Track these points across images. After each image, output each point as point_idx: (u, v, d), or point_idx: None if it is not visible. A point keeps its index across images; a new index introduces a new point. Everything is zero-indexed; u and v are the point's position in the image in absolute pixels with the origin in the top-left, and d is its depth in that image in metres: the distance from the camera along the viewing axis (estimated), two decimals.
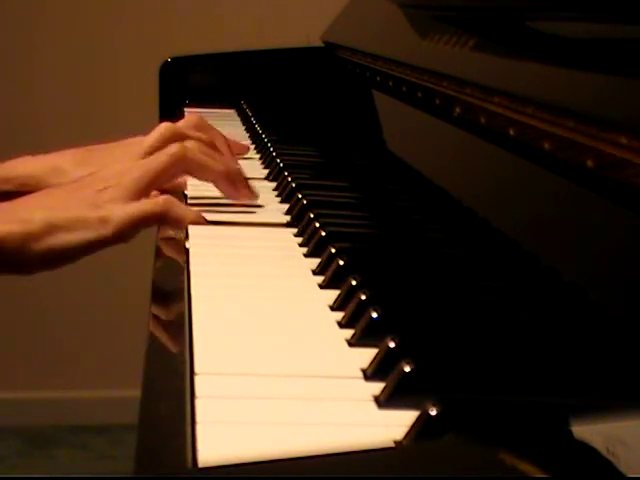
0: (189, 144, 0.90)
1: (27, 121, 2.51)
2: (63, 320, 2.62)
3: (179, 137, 0.93)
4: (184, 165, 0.89)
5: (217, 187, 0.93)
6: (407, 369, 0.52)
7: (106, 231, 0.81)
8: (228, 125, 1.41)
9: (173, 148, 0.89)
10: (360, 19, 1.51)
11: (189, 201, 0.96)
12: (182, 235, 0.85)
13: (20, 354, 2.64)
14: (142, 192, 0.85)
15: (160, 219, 0.83)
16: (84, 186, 0.85)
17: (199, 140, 0.94)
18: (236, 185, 0.93)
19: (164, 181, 0.88)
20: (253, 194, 0.95)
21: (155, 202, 0.83)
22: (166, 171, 0.87)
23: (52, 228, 0.80)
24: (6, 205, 0.83)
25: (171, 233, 0.86)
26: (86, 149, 1.06)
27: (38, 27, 2.51)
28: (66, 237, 0.81)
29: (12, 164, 1.05)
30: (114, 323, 2.60)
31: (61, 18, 2.52)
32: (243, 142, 1.28)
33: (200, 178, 0.92)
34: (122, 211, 0.82)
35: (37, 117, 2.52)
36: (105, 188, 0.83)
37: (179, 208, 0.85)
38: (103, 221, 0.81)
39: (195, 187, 0.99)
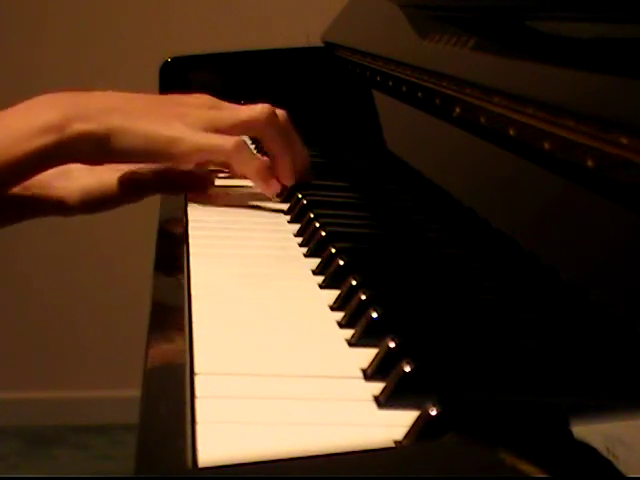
0: (280, 112, 0.92)
1: None
2: (63, 320, 2.62)
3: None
4: (260, 130, 0.90)
5: (277, 171, 0.93)
6: (407, 369, 0.52)
7: (173, 150, 0.84)
8: None
9: (262, 108, 0.90)
10: (360, 19, 1.51)
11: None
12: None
13: (20, 354, 2.64)
14: (219, 131, 0.87)
15: (225, 158, 0.85)
16: (167, 103, 0.88)
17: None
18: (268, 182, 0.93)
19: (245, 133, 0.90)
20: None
21: (227, 139, 0.85)
22: (244, 126, 0.89)
23: (125, 133, 0.83)
24: (84, 98, 0.87)
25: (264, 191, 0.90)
26: None
27: (38, 27, 2.52)
28: (137, 144, 0.83)
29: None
30: (114, 323, 2.60)
31: (61, 18, 2.52)
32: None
33: (265, 147, 0.93)
34: (194, 137, 0.84)
35: None
36: (186, 112, 0.86)
37: (247, 155, 0.86)
38: (171, 141, 0.84)
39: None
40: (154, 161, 0.88)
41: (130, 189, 0.93)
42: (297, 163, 0.95)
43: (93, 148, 0.83)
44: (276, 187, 0.91)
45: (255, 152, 0.95)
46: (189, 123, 0.85)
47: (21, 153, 0.82)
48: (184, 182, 0.94)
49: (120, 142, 0.83)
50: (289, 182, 0.95)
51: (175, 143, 0.84)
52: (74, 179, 0.99)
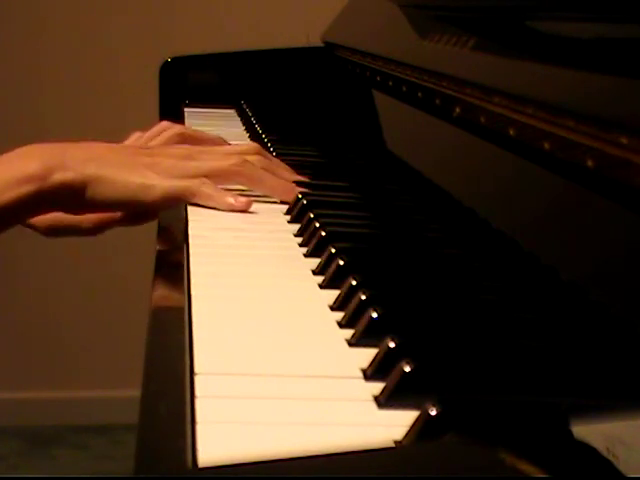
0: (251, 158, 0.95)
1: (28, 121, 2.51)
2: (63, 320, 2.62)
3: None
4: (237, 179, 0.94)
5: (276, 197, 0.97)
6: (407, 369, 0.52)
7: (145, 197, 0.87)
8: (228, 125, 1.41)
9: (233, 159, 0.94)
10: (360, 19, 1.51)
11: None
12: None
13: (20, 354, 2.64)
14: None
15: (194, 199, 0.89)
16: (142, 153, 0.91)
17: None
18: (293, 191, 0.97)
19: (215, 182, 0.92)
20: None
21: (193, 180, 0.89)
22: (216, 176, 0.92)
23: (101, 182, 0.87)
24: (62, 149, 0.88)
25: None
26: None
27: (38, 27, 2.52)
28: (111, 192, 0.87)
29: None
30: (114, 323, 2.60)
31: (61, 18, 2.52)
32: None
33: (256, 190, 0.97)
34: (164, 184, 0.88)
35: (37, 117, 2.52)
36: (157, 162, 0.90)
37: (212, 190, 0.89)
38: (143, 188, 0.87)
39: None
40: (129, 209, 0.92)
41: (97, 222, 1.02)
42: (282, 192, 0.97)
43: (71, 197, 0.87)
44: (243, 207, 0.93)
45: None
46: (160, 172, 0.89)
47: (3, 202, 0.86)
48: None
49: (96, 191, 0.87)
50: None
51: (147, 190, 0.87)
52: None
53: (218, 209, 0.91)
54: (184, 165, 0.91)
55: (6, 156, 0.88)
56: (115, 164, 0.88)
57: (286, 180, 0.98)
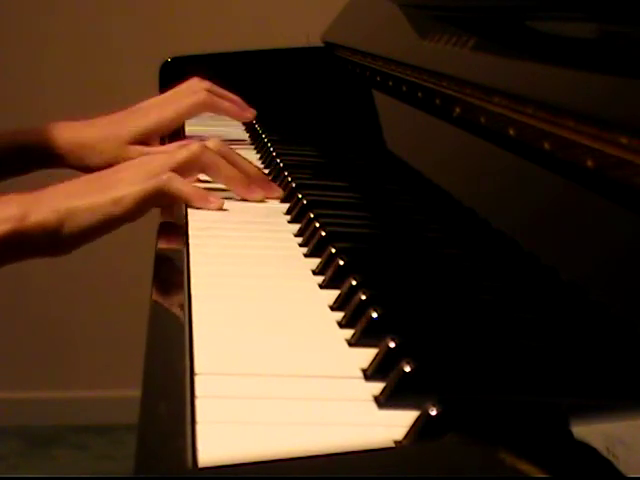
0: (211, 144, 0.96)
1: (28, 122, 2.51)
2: (63, 320, 2.62)
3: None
4: (199, 165, 0.94)
5: (231, 189, 0.97)
6: (407, 369, 0.52)
7: (118, 210, 0.88)
8: (228, 125, 1.41)
9: (194, 146, 0.94)
10: (360, 19, 1.51)
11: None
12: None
13: (20, 354, 2.64)
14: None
15: (163, 196, 0.89)
16: (102, 176, 0.93)
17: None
18: (250, 187, 0.98)
19: (182, 175, 0.92)
20: (275, 190, 1.00)
21: (158, 179, 0.89)
22: (182, 166, 0.92)
23: (73, 214, 0.88)
24: (37, 195, 0.91)
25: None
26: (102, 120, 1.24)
27: (38, 27, 2.52)
28: (86, 221, 0.89)
29: (53, 129, 1.25)
30: (114, 323, 2.60)
31: (61, 18, 2.52)
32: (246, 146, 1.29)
33: (214, 178, 0.97)
34: (133, 189, 0.89)
35: (38, 117, 2.51)
36: (122, 178, 0.91)
37: (181, 184, 0.90)
38: (115, 202, 0.88)
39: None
40: (109, 229, 0.91)
41: None
42: (237, 184, 0.97)
43: (50, 238, 0.89)
44: (216, 204, 0.93)
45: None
46: (128, 182, 0.90)
47: None
48: None
49: (72, 225, 0.89)
50: (250, 196, 0.98)
51: (118, 203, 0.88)
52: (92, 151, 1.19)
53: (192, 206, 0.91)
54: (148, 168, 0.91)
55: None
56: (83, 193, 0.90)
57: (245, 171, 0.98)
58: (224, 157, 0.97)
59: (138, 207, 0.89)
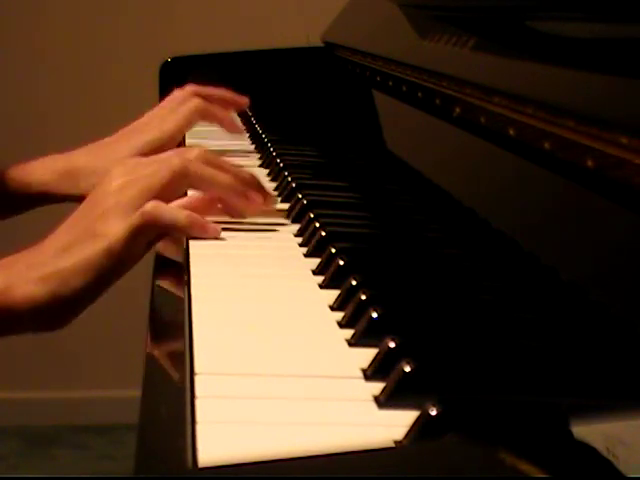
0: (193, 154, 0.86)
1: (28, 121, 2.51)
2: None
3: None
4: (187, 180, 0.85)
5: (227, 201, 0.87)
6: (407, 369, 0.52)
7: (113, 260, 0.79)
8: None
9: (175, 161, 0.84)
10: (360, 19, 1.51)
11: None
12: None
13: (20, 354, 2.64)
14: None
15: (153, 228, 0.80)
16: (83, 217, 0.83)
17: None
18: (247, 194, 0.87)
19: (167, 196, 0.83)
20: (270, 199, 0.91)
21: (141, 212, 0.80)
22: (167, 187, 0.83)
23: (64, 278, 0.79)
24: (19, 257, 0.82)
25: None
26: (98, 144, 1.16)
27: (38, 27, 2.52)
28: (78, 283, 0.79)
29: (32, 167, 1.12)
30: (114, 323, 2.60)
31: (61, 18, 2.52)
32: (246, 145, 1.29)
33: (206, 192, 0.87)
34: (119, 233, 0.80)
35: (37, 117, 2.52)
36: (103, 213, 0.81)
37: (168, 213, 0.81)
38: (105, 254, 0.79)
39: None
40: (110, 281, 0.81)
41: None
42: (240, 185, 0.87)
43: (41, 313, 0.79)
44: (213, 232, 0.83)
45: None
46: (112, 221, 0.80)
47: None
48: None
49: (66, 289, 0.79)
50: (250, 206, 0.88)
51: (109, 253, 0.79)
52: (81, 176, 1.11)
53: (180, 231, 0.82)
54: (129, 194, 0.82)
55: None
56: (66, 250, 0.80)
57: (239, 178, 0.87)
58: (211, 165, 0.86)
59: (130, 249, 0.79)
